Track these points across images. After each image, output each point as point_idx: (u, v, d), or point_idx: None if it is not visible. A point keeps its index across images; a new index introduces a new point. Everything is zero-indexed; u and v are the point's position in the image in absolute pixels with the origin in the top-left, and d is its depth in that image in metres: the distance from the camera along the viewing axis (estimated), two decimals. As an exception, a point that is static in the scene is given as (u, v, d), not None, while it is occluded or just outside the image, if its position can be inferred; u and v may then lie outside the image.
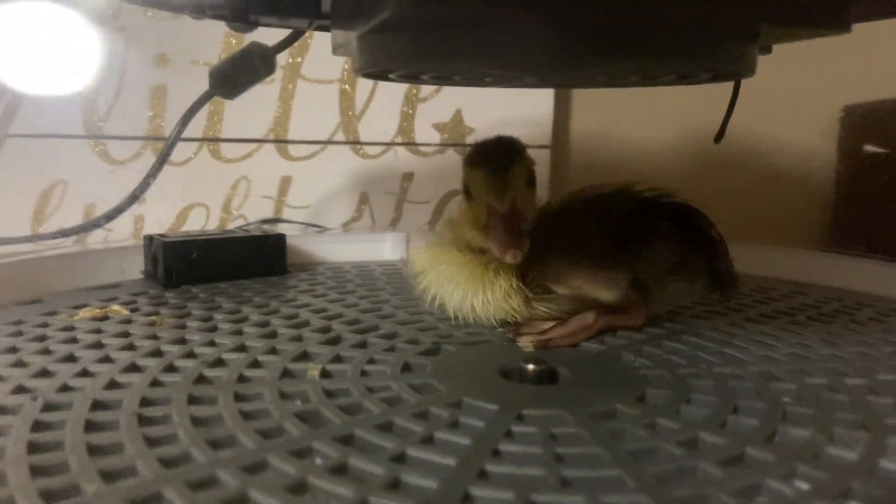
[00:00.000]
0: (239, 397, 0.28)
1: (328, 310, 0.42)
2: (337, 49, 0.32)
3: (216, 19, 0.35)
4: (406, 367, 0.32)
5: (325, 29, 0.36)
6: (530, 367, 0.32)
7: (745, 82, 0.77)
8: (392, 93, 0.73)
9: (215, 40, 0.68)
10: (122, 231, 0.68)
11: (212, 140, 0.69)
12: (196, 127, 0.68)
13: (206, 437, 0.24)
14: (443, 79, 0.29)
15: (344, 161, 0.73)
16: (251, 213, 0.72)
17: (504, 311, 0.36)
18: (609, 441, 0.25)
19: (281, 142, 0.72)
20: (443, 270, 0.37)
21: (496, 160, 0.34)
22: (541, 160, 0.79)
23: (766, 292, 0.49)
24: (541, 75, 0.28)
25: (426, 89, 0.74)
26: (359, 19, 0.25)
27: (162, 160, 0.51)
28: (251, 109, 0.70)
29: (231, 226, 0.71)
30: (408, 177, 0.75)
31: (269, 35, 0.46)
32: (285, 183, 0.72)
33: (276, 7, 0.31)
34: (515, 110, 0.77)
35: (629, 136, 0.84)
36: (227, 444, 0.24)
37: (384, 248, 0.59)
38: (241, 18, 0.30)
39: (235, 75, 0.50)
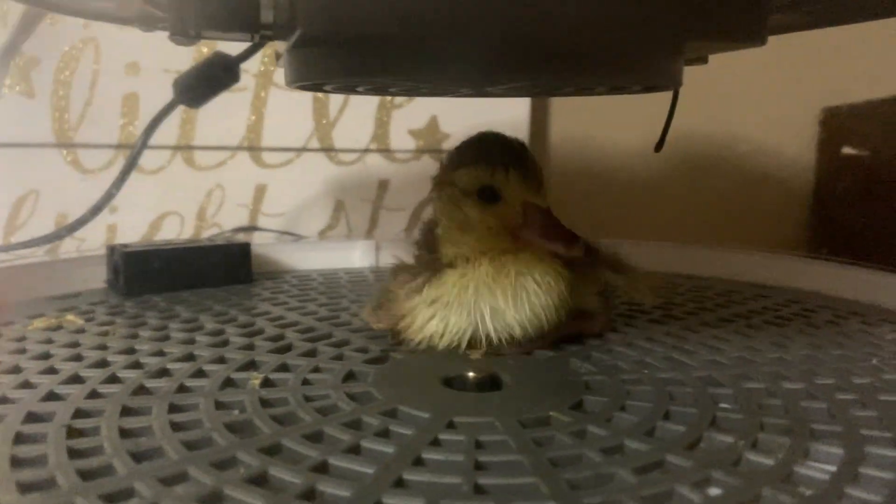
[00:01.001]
0: (173, 408, 0.28)
1: (285, 318, 0.42)
2: (278, 60, 0.32)
3: (165, 31, 0.35)
4: (350, 376, 0.32)
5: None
6: (471, 374, 0.32)
7: (724, 86, 0.78)
8: (366, 99, 0.73)
9: (187, 48, 0.69)
10: (95, 240, 0.68)
11: (185, 148, 0.70)
12: (169, 135, 0.69)
13: (130, 448, 0.24)
14: (379, 90, 0.30)
15: (319, 168, 0.74)
16: (226, 221, 0.72)
17: (548, 315, 0.34)
18: (533, 449, 0.25)
19: (255, 149, 0.72)
20: (472, 287, 0.33)
21: (523, 157, 0.33)
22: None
23: (728, 296, 0.49)
24: (469, 88, 0.28)
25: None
26: (283, 34, 0.25)
27: (126, 171, 0.52)
28: (225, 117, 0.70)
29: (206, 234, 0.71)
30: (383, 184, 0.76)
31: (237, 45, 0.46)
32: (260, 191, 0.73)
33: (215, 21, 0.31)
34: (491, 116, 0.77)
35: (608, 141, 0.84)
36: (151, 456, 0.24)
37: (354, 256, 0.59)
38: (181, 32, 0.30)
39: (199, 85, 0.50)
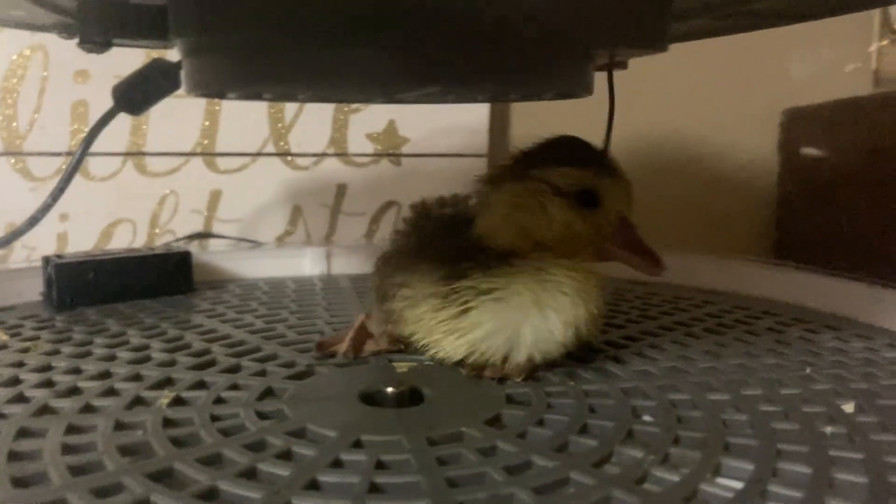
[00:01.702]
0: (71, 429, 0.27)
1: (217, 331, 0.41)
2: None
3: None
4: (268, 393, 0.31)
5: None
6: (389, 390, 0.31)
7: (687, 88, 0.78)
8: (323, 105, 0.73)
9: (138, 54, 0.67)
10: (47, 249, 0.67)
11: (136, 154, 0.69)
12: (120, 141, 0.68)
13: (15, 473, 0.23)
14: (287, 96, 0.29)
15: (275, 173, 0.73)
16: (180, 228, 0.71)
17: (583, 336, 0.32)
18: (434, 469, 0.24)
19: (209, 154, 0.71)
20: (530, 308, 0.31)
21: (620, 169, 0.32)
22: (478, 170, 0.79)
23: (674, 303, 0.48)
24: (376, 96, 0.27)
25: (357, 100, 0.73)
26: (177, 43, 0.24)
27: (65, 181, 0.50)
28: (177, 122, 0.69)
29: (160, 242, 0.70)
30: (341, 188, 0.75)
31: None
32: (215, 197, 0.72)
33: (124, 28, 0.30)
34: (451, 118, 0.76)
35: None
36: (33, 482, 0.23)
37: (303, 264, 0.58)
38: (89, 39, 0.30)
39: (138, 91, 0.49)
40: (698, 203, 0.82)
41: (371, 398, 0.31)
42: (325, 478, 0.23)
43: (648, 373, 0.34)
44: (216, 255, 0.56)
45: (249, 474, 0.24)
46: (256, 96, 0.28)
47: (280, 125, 0.72)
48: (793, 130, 0.81)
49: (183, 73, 0.28)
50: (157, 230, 0.70)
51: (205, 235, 0.72)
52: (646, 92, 0.77)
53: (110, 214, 0.69)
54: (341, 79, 0.23)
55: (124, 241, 0.69)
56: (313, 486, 0.23)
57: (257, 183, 0.72)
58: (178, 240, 0.71)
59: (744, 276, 0.51)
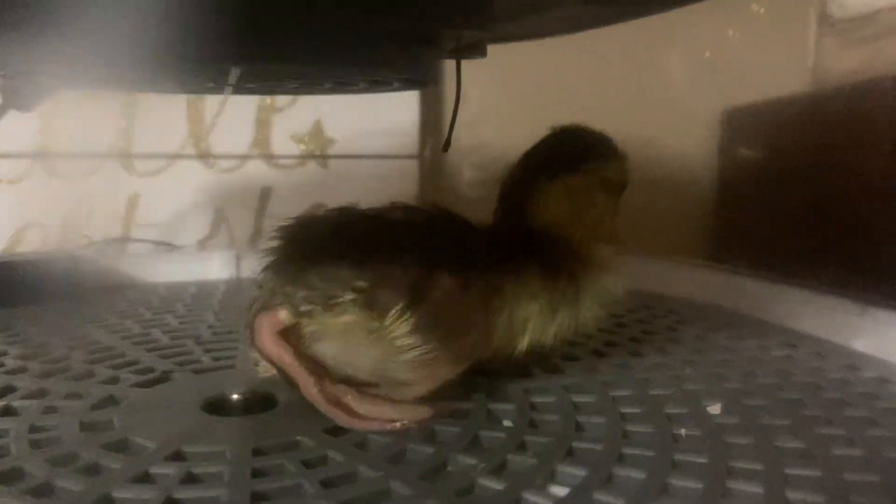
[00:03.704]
0: None
1: (87, 336, 0.39)
2: None
3: None
4: (108, 401, 0.29)
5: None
6: (234, 397, 0.29)
7: (625, 88, 0.77)
8: (245, 103, 0.71)
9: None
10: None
11: (46, 156, 0.66)
12: (28, 142, 0.65)
13: None
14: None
15: (195, 176, 0.70)
16: (96, 232, 0.69)
17: None
18: (245, 481, 0.22)
19: (125, 156, 0.69)
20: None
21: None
22: (408, 172, 0.77)
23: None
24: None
25: (280, 99, 0.71)
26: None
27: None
28: (91, 123, 0.67)
29: (74, 246, 0.68)
30: (266, 191, 0.73)
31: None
32: (133, 200, 0.69)
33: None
34: (379, 119, 0.75)
35: (508, 143, 0.82)
36: None
37: (211, 267, 0.56)
38: None
39: (27, 87, 0.47)
40: (637, 205, 0.81)
41: (216, 406, 0.29)
42: (122, 493, 0.22)
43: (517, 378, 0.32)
44: (114, 259, 0.54)
45: (41, 491, 0.22)
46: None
47: (199, 125, 0.70)
48: (732, 130, 0.81)
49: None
50: (70, 235, 0.68)
51: (122, 240, 0.69)
52: (584, 92, 0.76)
53: (19, 218, 0.66)
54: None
55: (35, 246, 0.67)
56: (106, 501, 0.21)
57: (177, 186, 0.70)
58: (94, 244, 0.68)
59: (649, 275, 0.50)
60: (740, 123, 0.81)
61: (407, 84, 0.26)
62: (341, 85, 0.26)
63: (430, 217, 0.30)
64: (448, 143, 0.31)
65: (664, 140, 0.81)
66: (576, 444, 0.25)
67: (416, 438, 0.26)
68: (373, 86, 0.26)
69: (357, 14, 0.22)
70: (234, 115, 0.71)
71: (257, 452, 0.24)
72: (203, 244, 0.71)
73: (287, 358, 0.26)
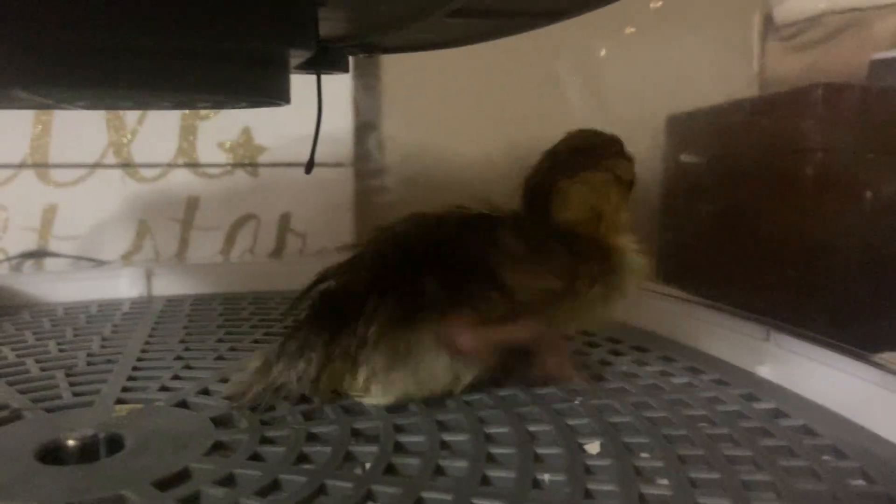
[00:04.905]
0: None
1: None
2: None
3: None
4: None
5: None
6: (70, 443, 0.27)
7: (562, 96, 0.75)
8: (169, 111, 0.68)
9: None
10: None
11: (-47, 168, 0.63)
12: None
13: None
14: None
15: (117, 186, 0.68)
16: (11, 246, 0.66)
17: None
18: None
19: (41, 166, 0.66)
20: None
21: None
22: (342, 179, 0.75)
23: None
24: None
25: (206, 106, 0.69)
26: None
27: None
28: (4, 131, 0.64)
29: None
30: (192, 201, 0.70)
31: None
32: (49, 212, 0.66)
33: None
34: (310, 126, 0.72)
35: (447, 150, 0.81)
36: None
37: (119, 285, 0.54)
38: None
39: None
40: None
41: (50, 453, 0.27)
42: None
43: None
44: (16, 278, 0.52)
45: None
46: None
47: (121, 132, 0.67)
48: (676, 136, 0.79)
49: None
50: (-18, 249, 0.65)
51: (38, 254, 0.66)
52: (531, 100, 0.75)
53: (-75, 233, 0.63)
54: None
55: (-57, 261, 0.64)
56: None
57: (97, 196, 0.67)
58: (9, 259, 0.65)
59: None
60: (685, 130, 0.79)
61: (254, 103, 0.24)
62: (182, 104, 0.24)
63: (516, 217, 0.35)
64: (311, 163, 0.29)
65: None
66: (441, 463, 0.23)
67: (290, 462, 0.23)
68: (218, 105, 0.24)
69: (164, 33, 0.20)
70: (158, 123, 0.68)
71: (76, 508, 0.22)
72: (127, 258, 0.69)
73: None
